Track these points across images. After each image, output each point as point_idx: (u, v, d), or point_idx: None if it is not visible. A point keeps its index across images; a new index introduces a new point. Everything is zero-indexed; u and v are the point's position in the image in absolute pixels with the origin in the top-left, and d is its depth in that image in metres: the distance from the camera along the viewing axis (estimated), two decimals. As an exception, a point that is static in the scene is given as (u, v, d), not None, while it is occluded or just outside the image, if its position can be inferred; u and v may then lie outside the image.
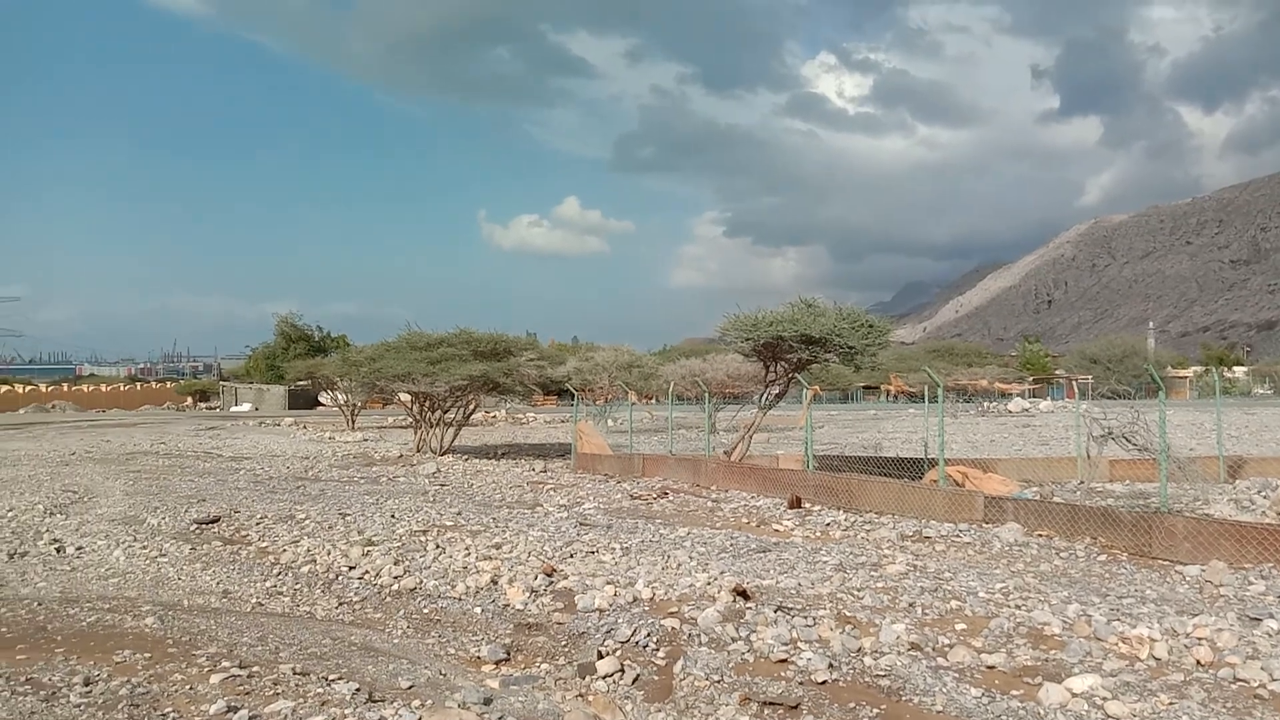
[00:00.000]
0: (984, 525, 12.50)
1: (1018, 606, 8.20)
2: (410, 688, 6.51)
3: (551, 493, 16.97)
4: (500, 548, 11.10)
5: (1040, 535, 11.77)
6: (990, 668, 6.84)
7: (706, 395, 21.25)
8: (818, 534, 12.47)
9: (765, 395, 18.62)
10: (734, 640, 7.56)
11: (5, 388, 67.06)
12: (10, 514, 13.30)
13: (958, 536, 11.85)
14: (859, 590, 8.89)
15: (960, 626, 7.70)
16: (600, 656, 7.39)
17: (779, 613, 8.05)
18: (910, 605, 8.35)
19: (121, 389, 78.14)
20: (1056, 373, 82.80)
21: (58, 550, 11.11)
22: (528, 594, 9.17)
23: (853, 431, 33.64)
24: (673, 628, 7.92)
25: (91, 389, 75.85)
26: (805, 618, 7.94)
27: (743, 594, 8.56)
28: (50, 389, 72.20)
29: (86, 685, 6.11)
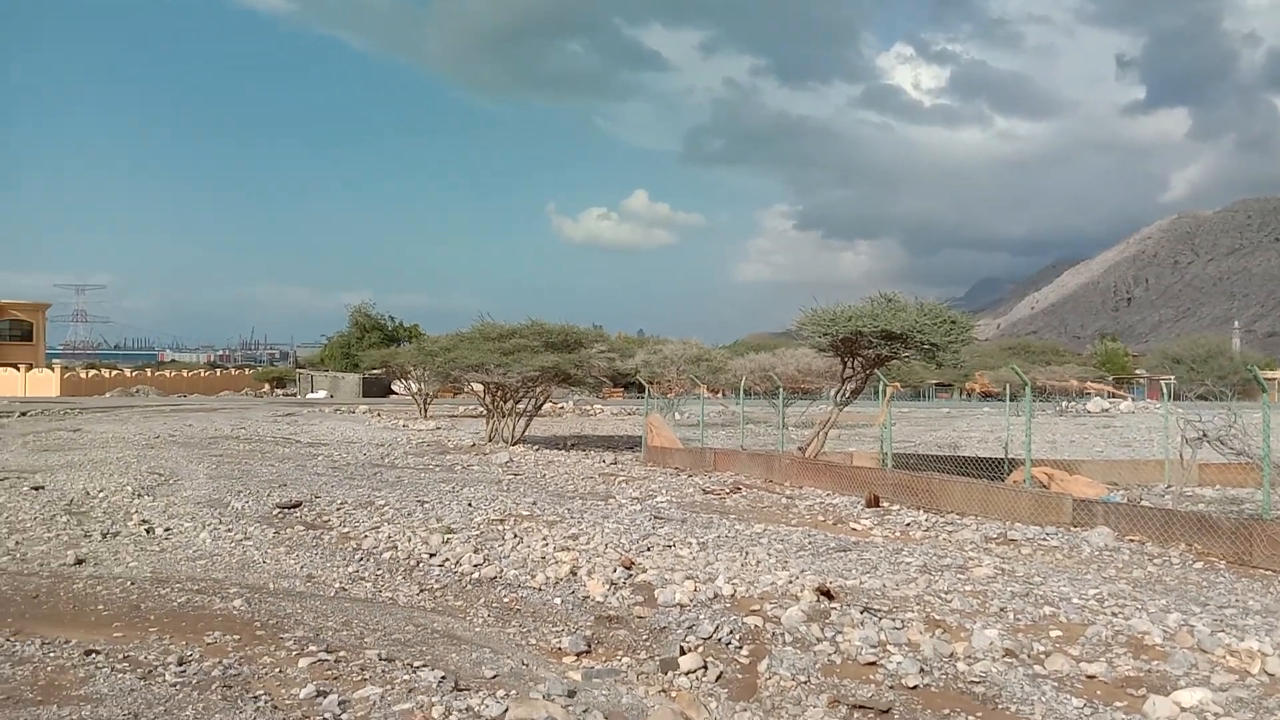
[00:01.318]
0: (1072, 529, 12.10)
1: (1114, 614, 7.89)
2: (494, 677, 6.50)
3: (623, 485, 16.94)
4: (577, 539, 11.08)
5: (1132, 540, 11.35)
6: (1090, 677, 6.58)
7: (780, 390, 21.01)
8: (898, 534, 12.21)
9: (841, 391, 18.33)
10: (819, 641, 7.41)
11: (94, 372, 69.45)
12: (102, 494, 13.70)
13: (1045, 540, 11.49)
14: (946, 593, 8.64)
15: (1055, 633, 7.43)
16: (683, 652, 7.30)
17: (865, 614, 7.86)
18: (1001, 610, 8.09)
19: (202, 375, 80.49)
20: (1137, 372, 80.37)
21: (147, 531, 11.40)
22: (607, 586, 9.13)
23: (926, 430, 33.04)
24: (755, 626, 7.79)
25: (174, 374, 78.27)
26: (893, 620, 7.75)
27: (826, 593, 8.39)
28: (135, 374, 74.52)
29: (180, 665, 6.21)
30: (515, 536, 11.23)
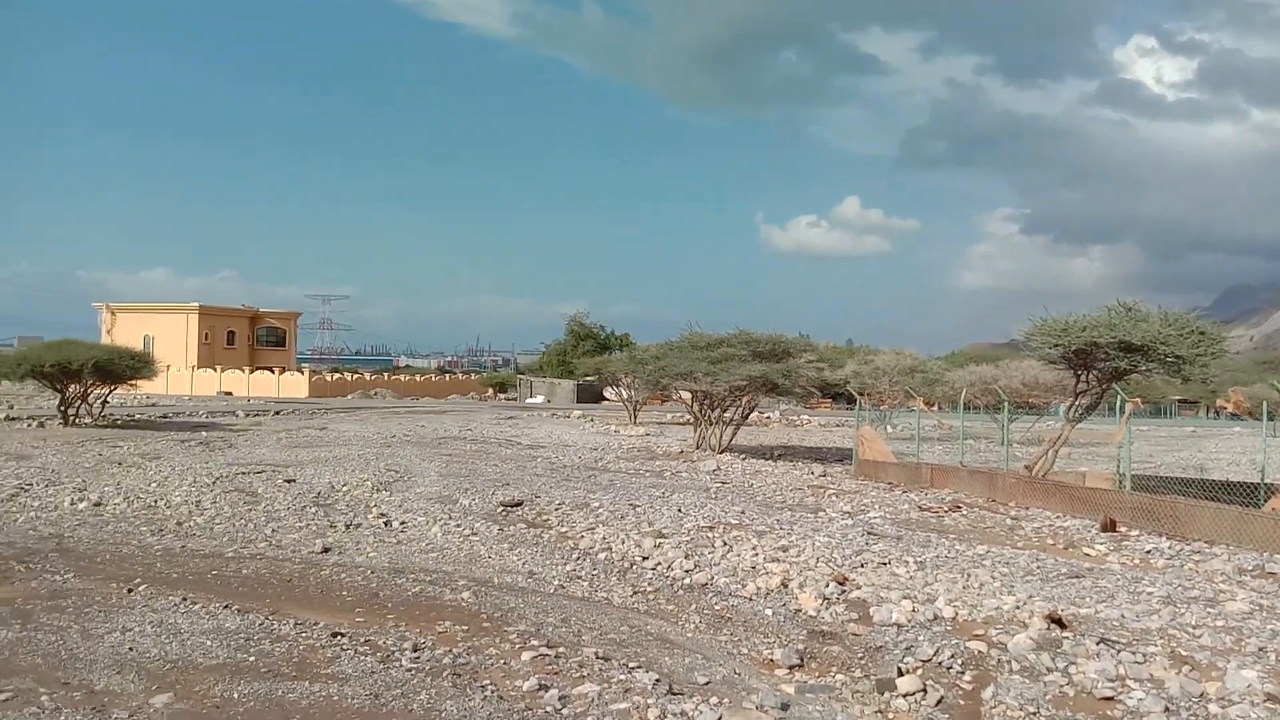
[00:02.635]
0: (1347, 566, 10.77)
1: (1403, 665, 6.95)
2: (707, 684, 6.52)
3: (834, 498, 16.60)
4: (787, 550, 10.95)
5: None
6: (1375, 735, 5.83)
7: (1005, 404, 19.95)
8: (1137, 561, 11.30)
9: (1073, 407, 17.18)
10: (1050, 671, 6.96)
11: (337, 375, 75.52)
12: (345, 489, 14.83)
13: (1314, 576, 10.28)
14: (1194, 628, 7.91)
15: (1330, 682, 6.63)
16: (900, 674, 7.05)
17: (1102, 645, 7.32)
18: (1260, 650, 7.31)
19: (432, 379, 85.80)
20: None
21: (385, 524, 12.24)
22: (820, 601, 8.96)
23: (1168, 450, 30.41)
24: (979, 651, 7.42)
25: (407, 379, 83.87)
26: (1133, 653, 7.17)
27: (1058, 621, 7.88)
28: (373, 377, 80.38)
29: (415, 651, 6.61)
30: (725, 545, 11.24)
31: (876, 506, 15.51)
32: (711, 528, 12.28)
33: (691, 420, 28.18)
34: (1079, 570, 10.26)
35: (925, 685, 6.83)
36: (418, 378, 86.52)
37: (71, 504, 12.71)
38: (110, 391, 27.68)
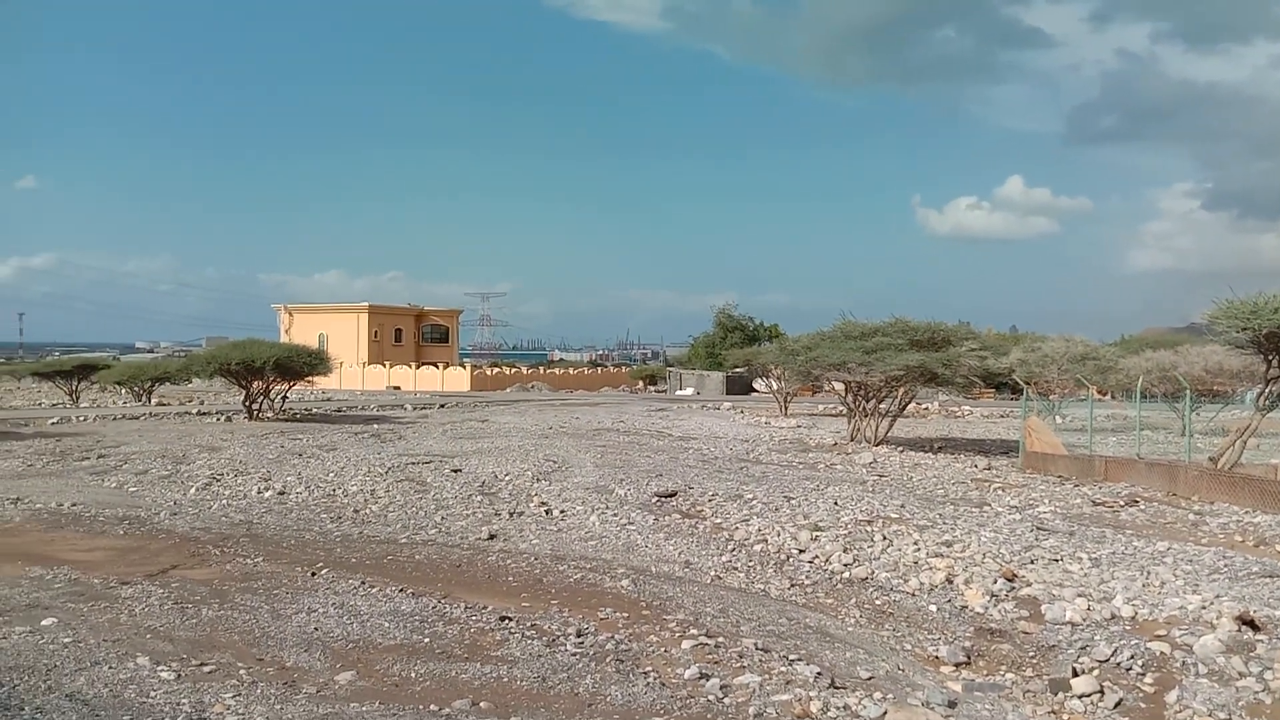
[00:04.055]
0: None
1: None
2: (870, 679, 6.43)
3: (999, 492, 15.98)
4: (951, 546, 10.63)
5: None
6: None
7: (1186, 393, 18.70)
8: (1342, 562, 10.39)
9: (1264, 395, 15.94)
10: (1243, 676, 6.51)
11: (496, 370, 78.06)
12: (507, 478, 15.33)
13: None
14: None
15: None
16: (1075, 674, 6.76)
17: (1303, 651, 6.79)
18: None
19: (585, 372, 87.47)
20: None
21: (545, 512, 12.59)
22: (987, 597, 8.67)
23: (1376, 441, 27.80)
24: (1162, 652, 7.01)
25: (561, 372, 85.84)
26: (1340, 661, 6.62)
27: (1250, 623, 7.35)
28: (530, 371, 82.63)
29: (579, 636, 6.79)
30: (885, 539, 11.02)
31: (1046, 500, 14.84)
32: (870, 521, 12.05)
33: (845, 412, 27.66)
34: (1272, 569, 9.53)
35: (1102, 686, 6.53)
36: (571, 371, 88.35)
37: (258, 492, 13.65)
38: (289, 387, 29.45)
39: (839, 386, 27.64)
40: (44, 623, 6.43)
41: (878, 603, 8.83)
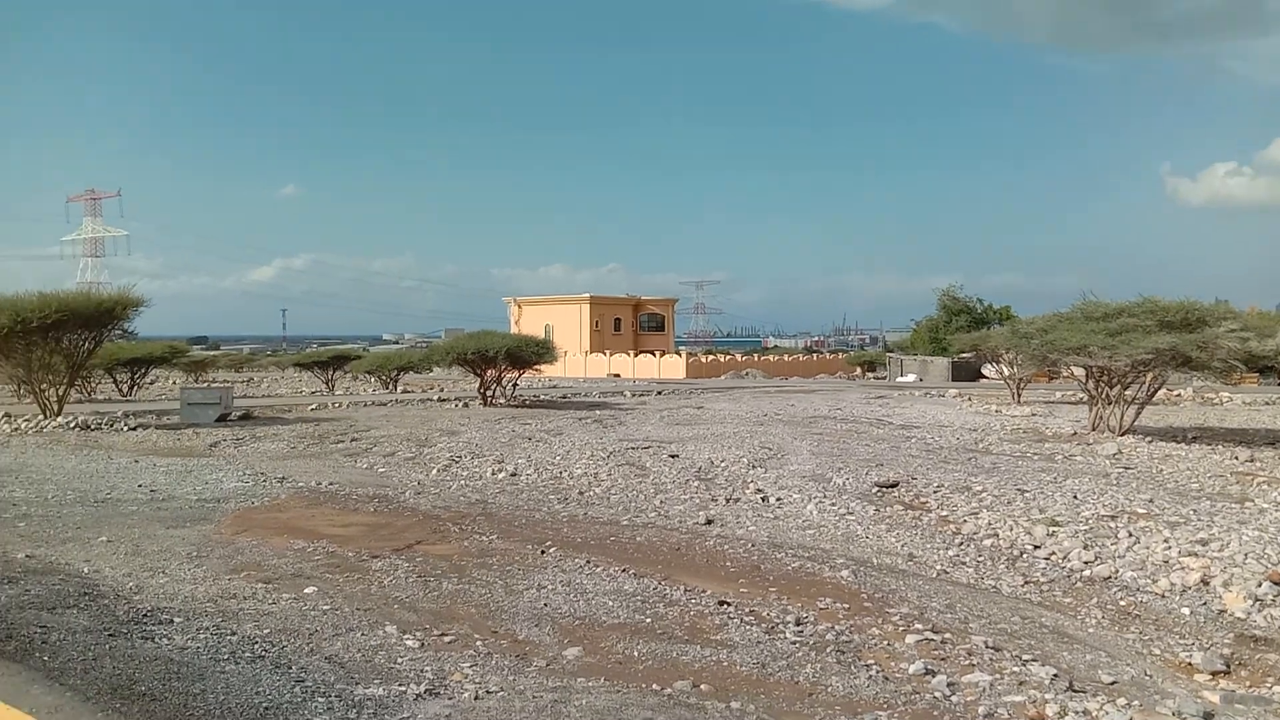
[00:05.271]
0: None
1: None
2: (1113, 684, 6.01)
3: (1264, 487, 14.45)
4: (1207, 544, 9.73)
5: None
6: None
7: None
8: None
9: None
10: None
11: (711, 357, 78.67)
12: (723, 464, 15.43)
13: None
14: None
15: None
16: (1361, 693, 6.02)
17: None
18: None
19: (800, 359, 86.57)
20: None
21: (762, 499, 12.58)
22: (1250, 602, 7.89)
23: None
24: None
25: (775, 359, 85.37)
26: None
27: None
28: (744, 358, 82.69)
29: (798, 625, 6.74)
30: (1130, 535, 10.23)
31: (1322, 498, 13.28)
32: (1114, 516, 11.23)
33: (1086, 399, 25.87)
34: None
35: (1398, 709, 5.78)
36: (785, 358, 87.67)
37: (492, 474, 14.44)
38: (519, 375, 30.95)
39: (1078, 372, 25.89)
40: (306, 591, 7.11)
41: (1122, 603, 8.22)
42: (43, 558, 8.02)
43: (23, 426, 19.69)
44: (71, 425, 19.86)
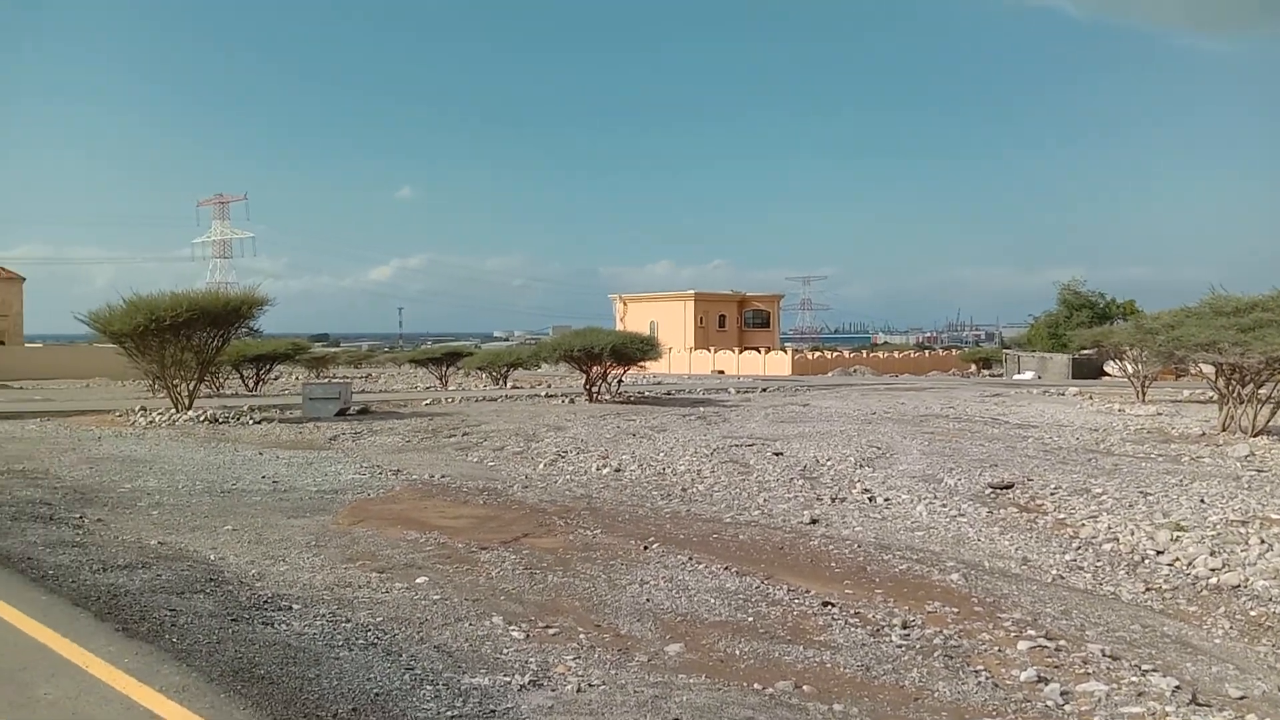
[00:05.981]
0: None
1: None
2: (1241, 699, 5.71)
3: None
4: (1351, 553, 9.14)
5: None
6: None
7: None
8: None
9: None
10: None
11: (818, 354, 77.73)
12: (829, 463, 15.23)
13: None
14: None
15: None
16: None
17: None
18: None
19: (911, 355, 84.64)
20: None
21: (869, 499, 12.36)
22: (1399, 617, 7.37)
23: None
24: None
25: (885, 355, 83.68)
26: None
27: None
28: (852, 355, 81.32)
29: (904, 629, 6.62)
30: (1262, 542, 9.68)
31: None
32: (1244, 522, 10.65)
33: (1216, 398, 24.58)
34: None
35: None
36: (896, 354, 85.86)
37: (597, 469, 14.60)
38: (624, 371, 31.18)
39: (1207, 369, 24.62)
40: (417, 580, 7.34)
41: (1252, 614, 7.79)
42: (173, 544, 8.51)
43: (157, 420, 20.87)
44: (201, 419, 20.95)
